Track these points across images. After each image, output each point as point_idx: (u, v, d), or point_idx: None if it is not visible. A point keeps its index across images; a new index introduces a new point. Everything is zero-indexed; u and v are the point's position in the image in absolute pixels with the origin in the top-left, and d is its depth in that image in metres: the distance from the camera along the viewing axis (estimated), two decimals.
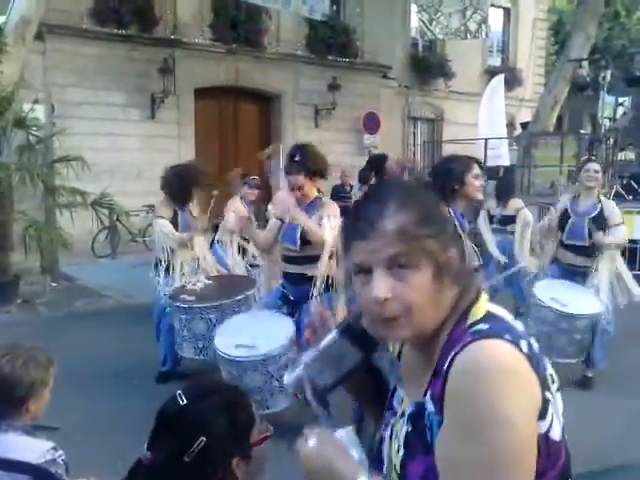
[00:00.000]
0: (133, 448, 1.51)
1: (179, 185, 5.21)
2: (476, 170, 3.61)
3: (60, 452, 1.97)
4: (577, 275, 5.16)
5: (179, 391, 1.45)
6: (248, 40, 13.84)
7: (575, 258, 5.17)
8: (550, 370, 1.09)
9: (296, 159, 4.14)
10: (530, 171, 13.76)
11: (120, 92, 12.47)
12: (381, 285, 1.06)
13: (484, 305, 1.13)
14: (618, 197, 11.27)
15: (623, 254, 9.45)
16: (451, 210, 3.58)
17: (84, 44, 11.97)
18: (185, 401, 1.42)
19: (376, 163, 7.17)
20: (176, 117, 13.24)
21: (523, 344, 1.04)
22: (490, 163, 13.79)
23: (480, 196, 3.68)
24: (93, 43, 12.08)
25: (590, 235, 5.07)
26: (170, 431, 1.41)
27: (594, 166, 5.24)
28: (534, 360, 1.03)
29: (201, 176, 5.40)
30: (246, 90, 14.42)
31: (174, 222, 5.25)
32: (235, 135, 14.52)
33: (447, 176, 3.60)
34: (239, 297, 4.69)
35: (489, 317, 1.10)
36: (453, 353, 1.04)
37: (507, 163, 13.84)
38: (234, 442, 1.41)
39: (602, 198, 5.26)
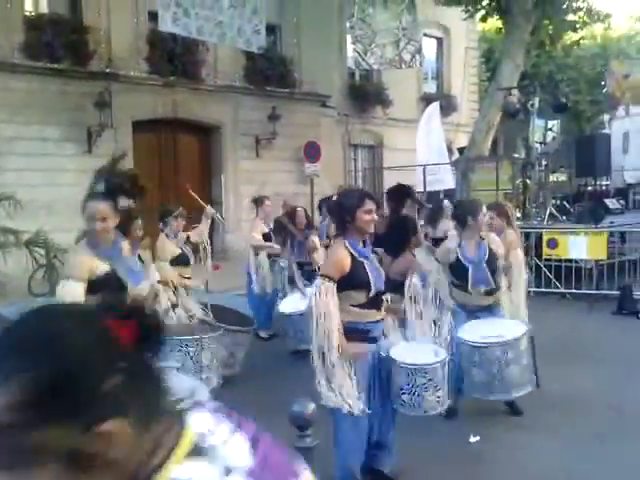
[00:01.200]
0: None
1: None
2: (368, 206, 3.66)
3: None
4: (483, 311, 5.00)
5: None
6: (186, 72, 13.81)
7: (483, 299, 5.01)
8: None
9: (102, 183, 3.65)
10: (468, 195, 14.08)
11: (55, 127, 12.20)
12: None
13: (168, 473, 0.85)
14: (552, 218, 11.65)
15: (559, 275, 9.77)
16: (347, 241, 3.69)
17: (16, 79, 11.70)
18: None
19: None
20: (113, 150, 12.93)
21: None
22: (430, 188, 14.08)
23: (371, 229, 3.74)
24: (25, 78, 11.82)
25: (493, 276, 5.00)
26: None
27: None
28: None
29: None
30: (185, 122, 14.34)
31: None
32: (175, 167, 14.39)
33: (340, 210, 3.74)
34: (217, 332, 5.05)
35: None
36: None
37: (452, 186, 14.11)
38: None
39: (482, 234, 5.06)
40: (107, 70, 12.74)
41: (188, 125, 14.52)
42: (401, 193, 6.56)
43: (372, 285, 3.68)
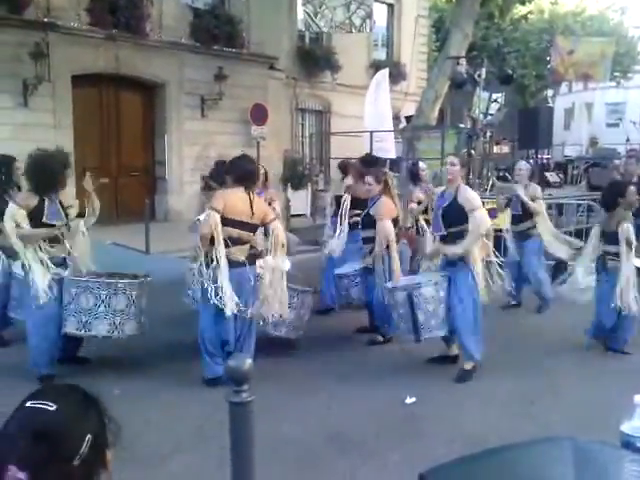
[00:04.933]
0: None
1: (44, 173, 4.89)
2: None
3: None
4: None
5: (40, 400, 1.33)
6: (129, 26, 13.24)
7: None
8: None
9: None
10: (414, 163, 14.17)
11: None
12: None
13: None
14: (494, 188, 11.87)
15: (498, 244, 9.98)
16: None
17: None
18: (54, 406, 1.31)
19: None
20: (52, 105, 12.47)
21: None
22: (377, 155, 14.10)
23: None
24: None
25: (446, 225, 5.26)
26: (51, 441, 1.29)
27: (451, 159, 5.41)
28: None
29: (66, 162, 5.18)
30: (128, 78, 13.85)
31: (40, 211, 4.89)
32: (117, 125, 13.94)
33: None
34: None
35: None
36: None
37: (393, 156, 14.17)
38: (105, 435, 1.36)
39: (460, 186, 5.29)
40: (45, 19, 12.11)
41: (131, 81, 14.04)
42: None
43: None
